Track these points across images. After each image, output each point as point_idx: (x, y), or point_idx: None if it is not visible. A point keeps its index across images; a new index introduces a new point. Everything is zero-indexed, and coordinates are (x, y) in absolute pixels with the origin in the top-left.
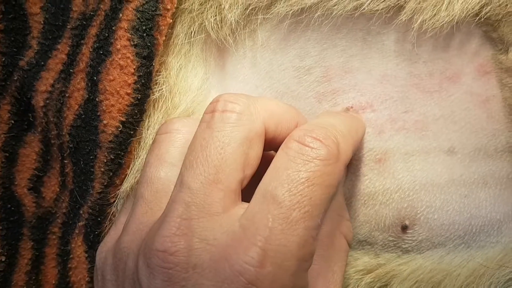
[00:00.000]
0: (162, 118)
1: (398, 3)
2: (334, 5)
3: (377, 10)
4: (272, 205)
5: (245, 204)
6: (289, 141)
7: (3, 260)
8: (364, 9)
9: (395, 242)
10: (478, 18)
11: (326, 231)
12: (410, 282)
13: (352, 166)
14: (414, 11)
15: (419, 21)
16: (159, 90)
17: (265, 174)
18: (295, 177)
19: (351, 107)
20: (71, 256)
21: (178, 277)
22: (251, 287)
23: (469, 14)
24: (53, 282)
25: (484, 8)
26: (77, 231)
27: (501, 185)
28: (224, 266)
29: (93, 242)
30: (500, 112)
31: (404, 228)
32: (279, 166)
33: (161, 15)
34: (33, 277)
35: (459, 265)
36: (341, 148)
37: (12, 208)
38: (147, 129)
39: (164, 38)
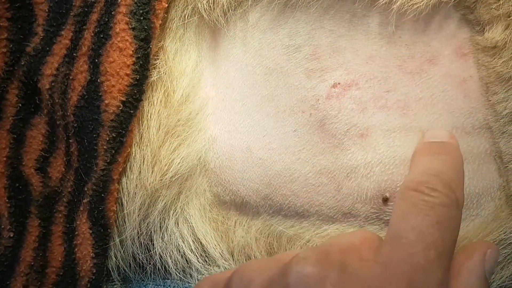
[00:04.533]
0: (161, 100)
1: None
2: None
3: None
4: (406, 245)
5: None
6: (407, 191)
7: (11, 236)
8: None
9: (377, 214)
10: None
11: None
12: None
13: (336, 140)
14: None
15: (398, 3)
16: (157, 73)
17: (390, 222)
18: (425, 221)
19: (338, 84)
20: (76, 233)
21: None
22: None
23: None
24: (60, 258)
25: None
26: (81, 208)
27: (479, 160)
28: None
29: (97, 218)
30: (477, 92)
31: (385, 200)
32: (404, 212)
33: None
34: (40, 254)
35: None
36: (458, 195)
37: (20, 187)
38: (149, 112)
39: (160, 22)
